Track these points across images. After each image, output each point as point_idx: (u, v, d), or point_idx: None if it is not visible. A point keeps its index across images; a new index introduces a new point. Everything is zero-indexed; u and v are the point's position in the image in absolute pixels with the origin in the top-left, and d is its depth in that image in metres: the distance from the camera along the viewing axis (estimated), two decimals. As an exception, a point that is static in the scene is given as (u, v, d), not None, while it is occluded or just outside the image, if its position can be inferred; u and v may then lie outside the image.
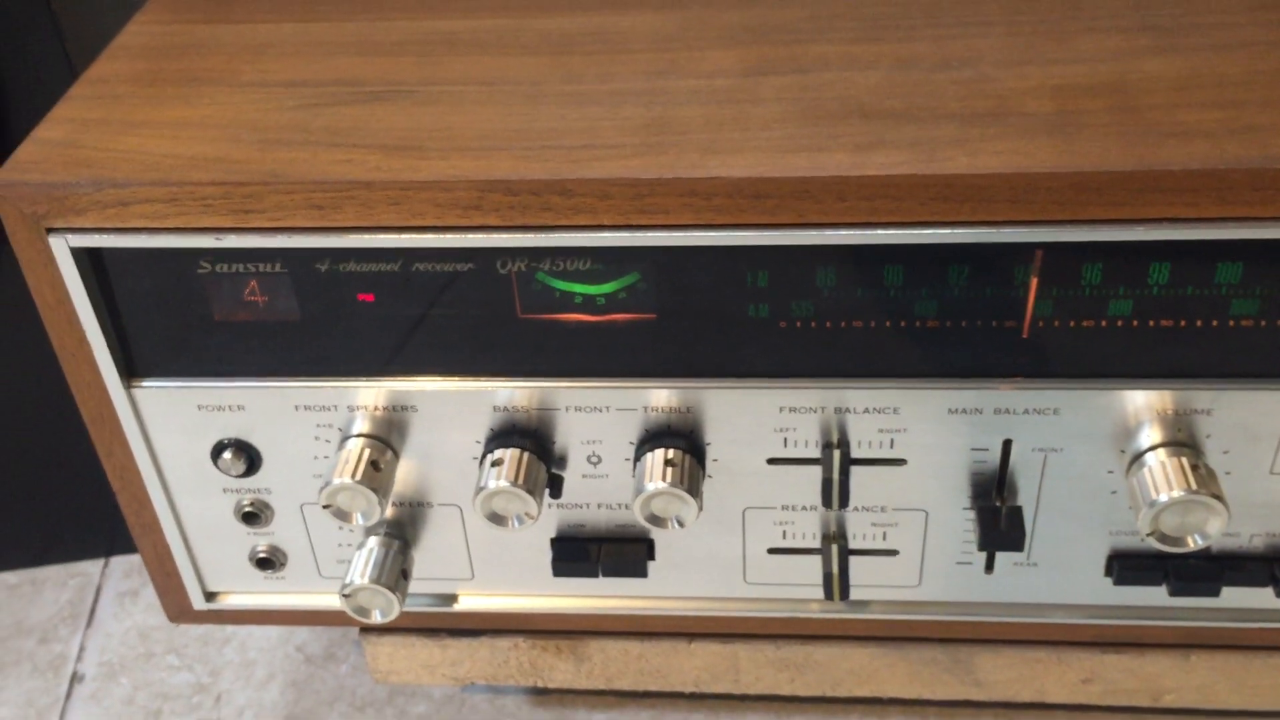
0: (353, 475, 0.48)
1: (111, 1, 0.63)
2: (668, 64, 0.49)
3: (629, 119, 0.46)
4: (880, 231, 0.43)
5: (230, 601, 0.57)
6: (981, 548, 0.50)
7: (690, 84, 0.48)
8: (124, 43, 0.53)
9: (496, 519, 0.49)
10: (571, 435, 0.50)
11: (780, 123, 0.45)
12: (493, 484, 0.48)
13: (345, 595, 0.51)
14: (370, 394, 0.49)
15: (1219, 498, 0.46)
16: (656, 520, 0.49)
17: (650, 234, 0.44)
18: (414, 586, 0.56)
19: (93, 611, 0.74)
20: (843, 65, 0.48)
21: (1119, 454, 0.48)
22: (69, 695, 0.68)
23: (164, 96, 0.49)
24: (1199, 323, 0.45)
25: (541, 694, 0.66)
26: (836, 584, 0.51)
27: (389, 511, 0.53)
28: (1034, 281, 0.45)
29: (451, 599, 0.56)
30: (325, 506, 0.49)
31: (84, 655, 0.71)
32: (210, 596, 0.57)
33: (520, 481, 0.48)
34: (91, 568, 0.77)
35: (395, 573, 0.52)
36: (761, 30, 0.51)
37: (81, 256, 0.46)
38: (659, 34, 0.51)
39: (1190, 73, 0.46)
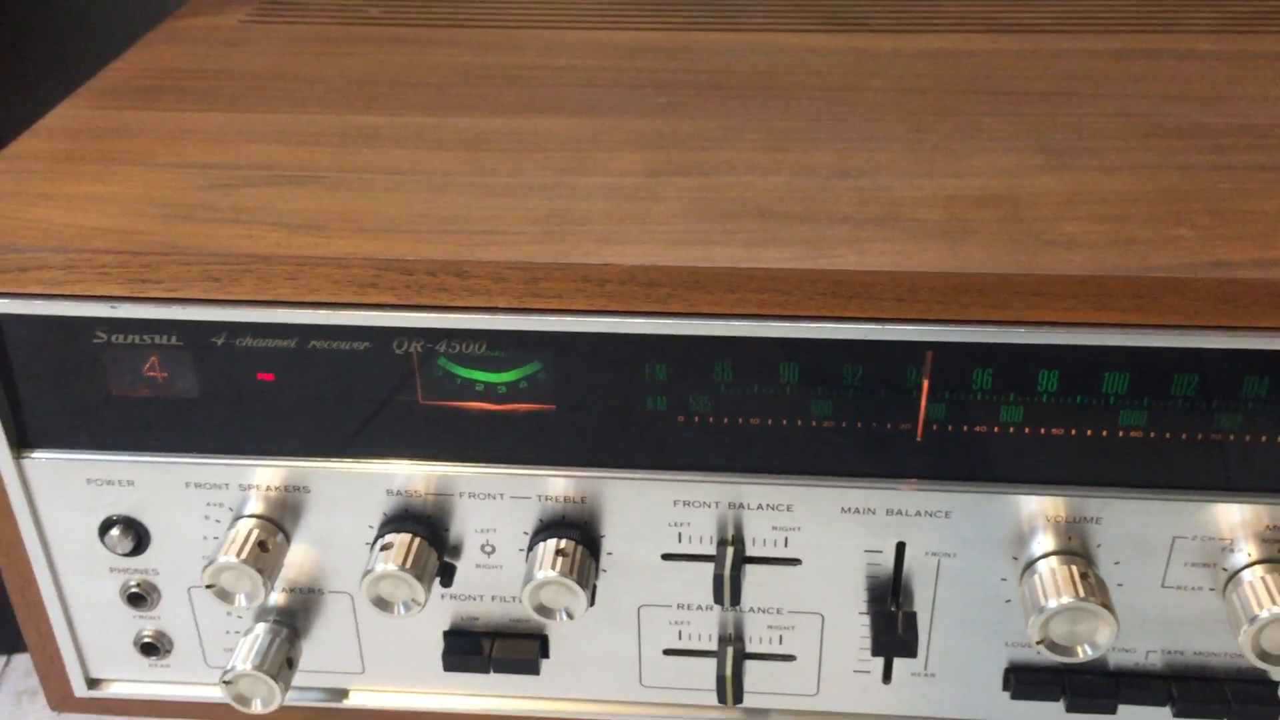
0: (238, 554, 0.47)
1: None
2: (577, 162, 0.50)
3: (532, 209, 0.47)
4: (771, 324, 0.44)
5: (114, 690, 0.55)
6: (875, 653, 0.50)
7: (596, 181, 0.49)
8: (48, 124, 0.54)
9: (382, 604, 0.48)
10: (466, 523, 0.50)
11: (678, 218, 0.46)
12: (380, 567, 0.47)
13: (226, 681, 0.50)
14: (264, 473, 0.49)
15: (1108, 607, 0.46)
16: (545, 611, 0.48)
17: (544, 318, 0.44)
18: (303, 680, 0.54)
19: (-15, 707, 0.71)
20: (745, 170, 0.49)
21: (1012, 561, 0.48)
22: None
23: (78, 173, 0.50)
24: (1089, 431, 0.46)
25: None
26: (730, 688, 0.50)
27: (279, 598, 0.52)
28: (925, 384, 0.46)
29: (341, 694, 0.55)
30: (208, 586, 0.48)
31: (-30, 752, 0.68)
32: (93, 683, 0.55)
33: (409, 566, 0.47)
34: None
35: (280, 661, 0.50)
36: (673, 137, 0.52)
37: (-23, 322, 0.46)
38: (573, 136, 0.53)
39: (1078, 189, 0.47)
